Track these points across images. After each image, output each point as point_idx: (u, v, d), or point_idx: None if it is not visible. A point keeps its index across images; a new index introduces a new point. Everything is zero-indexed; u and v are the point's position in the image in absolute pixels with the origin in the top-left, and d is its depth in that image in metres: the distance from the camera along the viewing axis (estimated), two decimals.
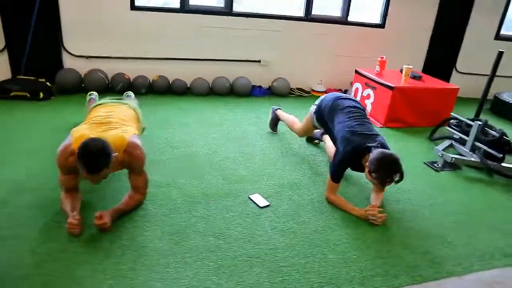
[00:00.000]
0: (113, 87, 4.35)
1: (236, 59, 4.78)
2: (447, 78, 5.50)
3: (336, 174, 2.45)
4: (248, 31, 4.68)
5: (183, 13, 4.49)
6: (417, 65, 5.24)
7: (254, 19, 4.68)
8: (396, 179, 2.22)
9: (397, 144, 3.64)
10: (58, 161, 2.07)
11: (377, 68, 4.38)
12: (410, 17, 5.15)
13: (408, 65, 4.22)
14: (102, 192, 2.41)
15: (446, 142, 3.57)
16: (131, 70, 4.47)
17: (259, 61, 4.86)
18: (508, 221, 2.56)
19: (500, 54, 3.48)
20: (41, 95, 3.98)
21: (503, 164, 3.18)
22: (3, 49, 4.21)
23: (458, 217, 2.55)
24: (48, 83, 4.16)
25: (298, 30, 4.85)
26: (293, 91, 5.02)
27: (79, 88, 4.25)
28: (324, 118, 2.75)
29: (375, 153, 2.24)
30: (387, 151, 2.28)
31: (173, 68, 4.61)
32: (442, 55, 5.52)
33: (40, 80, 4.19)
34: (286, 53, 4.92)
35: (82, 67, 4.37)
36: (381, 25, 5.13)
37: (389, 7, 5.04)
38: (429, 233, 2.33)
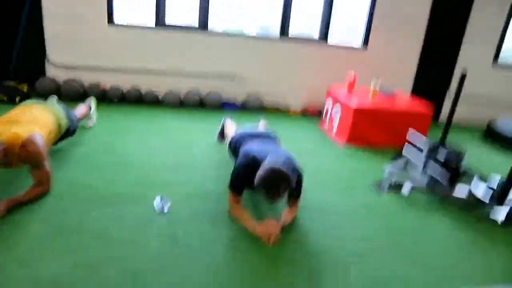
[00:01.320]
0: (87, 95, 4.53)
1: (209, 73, 4.83)
2: (439, 103, 5.25)
3: (233, 185, 2.35)
4: (222, 48, 4.75)
5: (158, 29, 4.65)
6: (405, 87, 5.04)
7: (229, 38, 4.76)
8: (282, 191, 2.07)
9: (352, 163, 3.51)
10: None
11: (346, 86, 4.25)
12: (395, 39, 5.00)
13: (377, 81, 4.06)
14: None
15: (400, 163, 3.36)
16: (107, 81, 4.65)
17: (233, 77, 4.88)
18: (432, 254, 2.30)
19: (463, 78, 3.27)
20: (17, 99, 4.23)
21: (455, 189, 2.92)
22: None
23: (369, 243, 2.31)
24: (26, 89, 4.43)
25: (274, 48, 4.86)
26: (268, 109, 4.97)
27: (56, 94, 4.47)
28: (236, 149, 2.72)
29: (262, 167, 2.13)
30: (276, 165, 2.12)
31: (147, 80, 4.75)
32: (434, 78, 5.29)
33: (20, 86, 4.46)
34: (261, 71, 4.94)
35: (63, 76, 4.61)
36: (364, 48, 5.03)
37: (372, 29, 4.94)
38: (320, 258, 2.11)
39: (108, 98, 4.60)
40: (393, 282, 1.97)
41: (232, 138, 2.87)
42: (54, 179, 2.51)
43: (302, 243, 2.20)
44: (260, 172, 2.09)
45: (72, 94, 4.46)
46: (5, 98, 4.23)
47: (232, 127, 3.35)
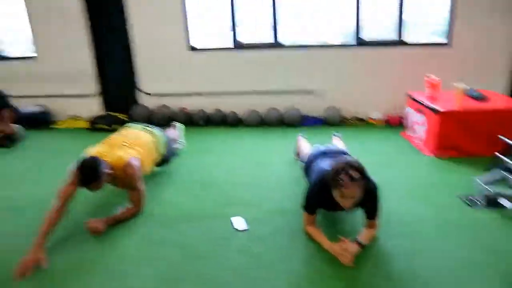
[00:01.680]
0: (175, 120, 4.90)
1: (287, 90, 4.90)
2: None
3: (306, 205, 2.35)
4: (298, 62, 4.79)
5: (236, 50, 4.88)
6: (499, 88, 4.53)
7: (303, 50, 4.78)
8: (354, 175, 1.98)
9: (441, 173, 3.28)
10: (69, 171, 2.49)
11: (428, 90, 3.98)
12: (483, 32, 4.53)
13: (461, 83, 3.73)
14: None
15: (496, 173, 3.03)
16: (191, 105, 5.00)
17: (311, 92, 4.88)
18: None
19: None
20: (117, 128, 4.76)
21: None
22: (99, 93, 5.22)
23: (464, 267, 2.05)
24: (125, 118, 4.96)
25: (350, 57, 4.74)
26: (348, 120, 4.87)
27: (148, 120, 4.91)
28: (308, 167, 2.71)
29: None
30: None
31: (228, 101, 4.98)
32: None
33: (119, 115, 5.02)
34: (338, 82, 4.84)
35: (153, 103, 5.08)
36: (446, 44, 4.65)
37: (455, 23, 4.54)
38: (403, 284, 1.95)
39: (194, 121, 4.93)
40: None
41: (305, 157, 2.89)
42: (146, 199, 2.76)
43: (382, 264, 2.09)
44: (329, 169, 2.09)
45: (162, 119, 4.86)
46: (108, 127, 4.77)
47: (304, 145, 3.36)
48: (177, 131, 3.98)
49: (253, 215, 2.63)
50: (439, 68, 4.37)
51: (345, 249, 2.10)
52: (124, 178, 2.60)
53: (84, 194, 2.52)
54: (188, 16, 4.84)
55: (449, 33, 4.58)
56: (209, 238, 2.39)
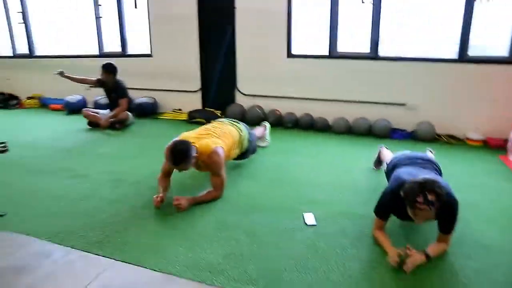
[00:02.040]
0: (266, 119, 5.15)
1: (379, 101, 4.82)
2: None
3: (377, 209, 2.35)
4: (393, 74, 4.70)
5: (331, 59, 4.96)
6: None
7: (400, 62, 4.67)
8: (430, 199, 1.92)
9: None
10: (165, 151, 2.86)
11: None
12: None
13: None
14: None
15: None
16: (282, 107, 5.22)
17: (403, 104, 4.74)
18: None
19: None
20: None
21: None
22: (199, 90, 5.74)
23: None
24: (220, 114, 5.38)
25: (451, 72, 4.50)
26: (441, 138, 4.61)
27: (241, 117, 5.23)
28: (390, 171, 2.67)
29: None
30: (427, 177, 2.05)
31: (318, 107, 5.08)
32: None
33: (216, 111, 5.46)
34: (434, 97, 4.62)
35: (249, 103, 5.41)
36: None
37: None
38: None
39: (283, 123, 5.14)
40: None
41: (390, 161, 2.85)
42: (226, 187, 3.02)
43: (448, 281, 2.01)
44: (408, 183, 2.05)
45: (254, 118, 5.16)
46: (204, 121, 5.22)
47: (388, 153, 3.31)
48: (264, 130, 4.22)
49: (324, 214, 2.70)
50: None
51: (411, 256, 2.07)
52: (209, 164, 2.89)
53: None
54: (291, 25, 5.08)
55: None
56: (277, 227, 2.53)
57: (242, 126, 3.51)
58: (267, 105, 5.33)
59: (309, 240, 2.39)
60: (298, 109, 5.15)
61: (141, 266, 2.10)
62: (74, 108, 6.04)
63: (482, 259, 2.20)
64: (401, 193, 2.06)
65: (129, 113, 5.20)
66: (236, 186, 3.19)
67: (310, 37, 5.16)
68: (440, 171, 2.62)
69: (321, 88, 5.08)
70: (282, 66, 5.19)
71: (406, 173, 2.33)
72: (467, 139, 4.54)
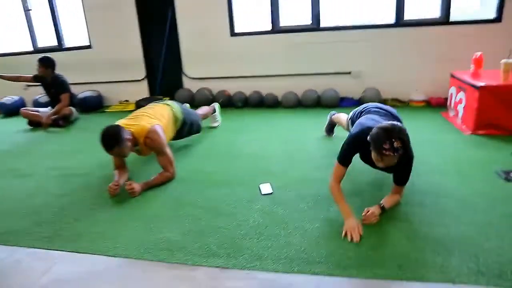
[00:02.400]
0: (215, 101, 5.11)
1: (325, 72, 4.91)
2: None
3: (341, 154, 2.31)
4: (336, 44, 4.78)
5: (275, 34, 4.97)
6: None
7: (342, 31, 4.76)
8: (396, 146, 1.93)
9: (477, 150, 3.14)
10: None
11: (472, 66, 3.82)
12: None
13: (509, 58, 3.53)
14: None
15: None
16: (231, 88, 5.17)
17: (349, 73, 4.86)
18: None
19: None
20: None
21: None
22: (145, 78, 5.56)
23: (485, 230, 2.02)
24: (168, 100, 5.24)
25: (390, 37, 4.65)
26: (388, 102, 4.77)
27: (191, 102, 5.14)
28: (354, 121, 2.68)
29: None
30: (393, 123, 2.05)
31: (267, 84, 5.09)
32: None
33: (164, 98, 5.31)
34: (377, 63, 4.77)
35: (196, 86, 5.32)
36: (497, 19, 4.39)
37: None
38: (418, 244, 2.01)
39: (233, 103, 5.11)
40: None
41: (352, 113, 2.85)
42: (179, 166, 2.96)
43: (403, 229, 2.08)
44: (375, 128, 2.05)
45: (203, 101, 5.08)
46: None
47: (343, 114, 3.36)
48: (211, 109, 4.18)
49: (280, 183, 2.72)
50: (488, 47, 4.12)
51: (372, 213, 2.13)
52: (150, 144, 2.83)
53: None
54: (232, 3, 5.02)
55: (499, 7, 4.33)
56: (233, 200, 2.52)
57: (171, 102, 3.49)
58: (216, 87, 5.27)
59: (267, 208, 2.40)
60: (247, 88, 5.14)
61: (96, 254, 2.02)
62: (11, 110, 5.66)
63: (433, 205, 2.31)
64: (368, 138, 2.07)
65: (72, 108, 4.94)
66: (189, 165, 3.16)
67: (252, 14, 5.12)
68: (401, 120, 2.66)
69: (267, 64, 5.08)
70: (227, 46, 5.13)
71: (370, 119, 2.36)
72: (411, 100, 4.74)
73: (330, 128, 3.61)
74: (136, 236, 2.16)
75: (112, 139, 2.61)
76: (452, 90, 4.06)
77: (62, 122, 4.79)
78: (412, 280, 1.68)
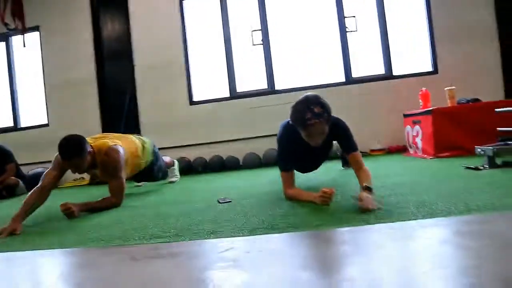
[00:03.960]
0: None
1: None
2: None
3: (280, 160, 2.26)
4: (291, 104, 4.94)
5: (232, 99, 5.14)
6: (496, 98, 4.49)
7: (296, 92, 4.98)
8: (317, 111, 1.88)
9: (440, 166, 3.06)
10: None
11: (420, 102, 4.01)
12: (466, 55, 4.71)
13: (451, 86, 3.75)
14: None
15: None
16: (191, 155, 5.08)
17: None
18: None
19: None
20: None
21: None
22: None
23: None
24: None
25: (342, 94, 4.89)
26: None
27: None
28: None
29: None
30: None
31: (227, 148, 5.04)
32: None
33: None
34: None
35: None
36: (434, 71, 4.80)
37: (437, 50, 4.77)
38: None
39: (193, 168, 4.95)
40: None
41: None
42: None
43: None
44: (290, 110, 2.02)
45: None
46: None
47: None
48: (171, 160, 4.03)
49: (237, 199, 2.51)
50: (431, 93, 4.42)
51: (366, 197, 1.82)
52: (106, 163, 2.58)
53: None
54: (190, 75, 5.25)
55: (434, 61, 4.78)
56: (192, 209, 2.28)
57: (146, 138, 3.33)
58: (176, 155, 5.09)
59: (225, 208, 2.19)
60: (208, 153, 5.05)
61: None
62: None
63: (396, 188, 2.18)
64: (290, 122, 2.04)
65: (19, 180, 4.60)
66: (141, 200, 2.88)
67: (210, 82, 5.34)
68: None
69: (226, 129, 5.11)
70: (186, 115, 5.20)
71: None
72: (371, 150, 4.78)
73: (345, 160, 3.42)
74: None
75: (73, 147, 2.40)
76: (408, 129, 4.17)
77: (6, 193, 4.40)
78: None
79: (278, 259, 1.25)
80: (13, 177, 4.55)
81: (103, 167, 2.60)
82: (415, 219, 1.51)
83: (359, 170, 2.11)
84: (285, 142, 2.22)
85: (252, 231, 1.58)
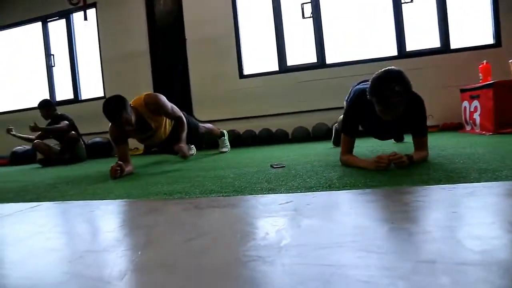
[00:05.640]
0: None
1: (333, 107, 4.91)
2: None
3: (345, 124, 2.23)
4: (342, 79, 4.87)
5: (282, 73, 5.13)
6: None
7: (347, 66, 4.90)
8: (398, 89, 1.80)
9: (499, 144, 2.91)
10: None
11: (480, 76, 3.80)
12: None
13: None
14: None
15: None
16: (240, 128, 5.17)
17: None
18: None
19: None
20: None
21: None
22: None
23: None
24: None
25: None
26: None
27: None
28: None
29: None
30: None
31: (276, 121, 5.09)
32: None
33: None
34: None
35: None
36: (496, 44, 4.52)
37: (500, 22, 4.47)
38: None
39: (243, 141, 5.04)
40: None
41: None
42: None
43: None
44: (373, 78, 1.93)
45: (212, 140, 5.01)
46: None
47: None
48: (217, 130, 4.15)
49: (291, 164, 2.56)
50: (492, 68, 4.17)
51: (400, 156, 1.90)
52: (154, 109, 2.81)
53: None
54: (240, 48, 5.30)
55: (497, 34, 4.50)
56: (248, 172, 2.38)
57: None
58: (226, 128, 5.20)
59: (279, 172, 2.24)
60: (257, 127, 5.13)
61: None
62: (21, 159, 5.65)
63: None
64: (367, 94, 1.97)
65: (80, 138, 4.90)
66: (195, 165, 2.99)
67: (260, 55, 5.35)
68: None
69: (276, 102, 5.15)
70: (236, 88, 5.27)
71: (361, 85, 2.28)
72: None
73: (338, 138, 3.47)
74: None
75: (117, 105, 2.57)
76: (465, 104, 3.99)
77: (67, 153, 4.74)
78: None
79: (340, 210, 1.28)
80: (73, 132, 4.82)
81: (152, 113, 2.80)
82: (477, 182, 1.48)
83: (419, 150, 2.10)
84: (355, 108, 2.17)
85: (310, 189, 1.62)
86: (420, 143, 2.13)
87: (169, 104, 2.96)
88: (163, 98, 2.93)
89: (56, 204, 1.84)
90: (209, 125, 4.00)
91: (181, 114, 3.03)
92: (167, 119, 3.07)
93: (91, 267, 0.90)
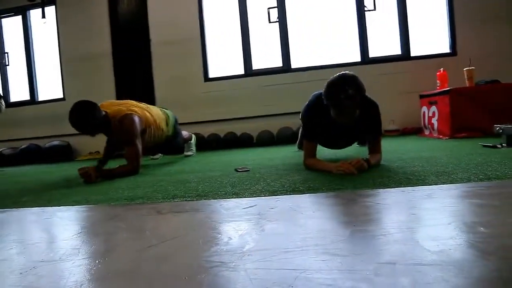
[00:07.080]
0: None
1: (298, 111, 4.95)
2: None
3: (305, 130, 2.28)
4: (306, 83, 4.93)
5: (247, 77, 5.14)
6: None
7: (311, 71, 4.97)
8: (351, 92, 1.87)
9: (455, 146, 3.05)
10: None
11: (438, 83, 3.97)
12: (485, 38, 4.64)
13: (469, 67, 3.71)
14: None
15: None
16: (206, 131, 5.12)
17: None
18: None
19: None
20: None
21: None
22: None
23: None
24: None
25: (357, 74, 4.84)
26: None
27: None
28: None
29: None
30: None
31: (241, 125, 5.09)
32: None
33: None
34: None
35: None
36: (452, 53, 4.74)
37: (456, 32, 4.70)
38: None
39: (208, 145, 4.99)
40: None
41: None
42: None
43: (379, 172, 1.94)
44: (327, 83, 1.99)
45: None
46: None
47: None
48: (189, 135, 4.08)
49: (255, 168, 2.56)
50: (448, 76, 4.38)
51: (357, 161, 1.97)
52: (120, 130, 2.64)
53: None
54: (206, 51, 5.26)
55: (453, 41, 4.73)
56: (209, 176, 2.34)
57: (169, 112, 3.42)
58: (190, 131, 5.11)
59: (244, 176, 2.22)
60: (222, 130, 5.09)
61: None
62: None
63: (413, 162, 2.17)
64: (323, 97, 2.01)
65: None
66: (159, 170, 2.94)
67: (226, 59, 5.33)
68: None
69: (241, 106, 5.14)
70: (201, 91, 5.23)
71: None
72: (385, 131, 4.76)
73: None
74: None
75: (79, 117, 2.48)
76: (424, 109, 4.15)
77: None
78: None
79: (303, 213, 1.29)
80: None
81: (118, 133, 2.67)
82: (435, 184, 1.54)
83: (373, 152, 2.19)
84: (313, 112, 2.21)
85: (274, 193, 1.62)
86: (375, 146, 2.20)
87: (135, 144, 2.64)
88: (135, 134, 2.67)
89: (8, 211, 1.74)
90: (185, 133, 3.90)
91: (134, 165, 2.65)
92: (155, 128, 2.99)
93: (44, 279, 0.85)
